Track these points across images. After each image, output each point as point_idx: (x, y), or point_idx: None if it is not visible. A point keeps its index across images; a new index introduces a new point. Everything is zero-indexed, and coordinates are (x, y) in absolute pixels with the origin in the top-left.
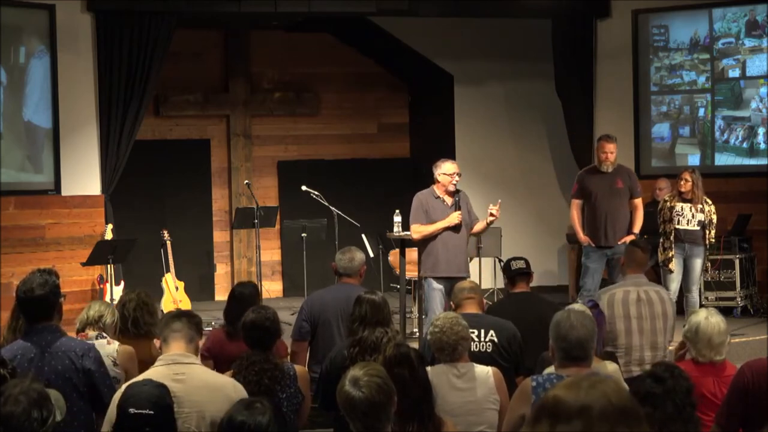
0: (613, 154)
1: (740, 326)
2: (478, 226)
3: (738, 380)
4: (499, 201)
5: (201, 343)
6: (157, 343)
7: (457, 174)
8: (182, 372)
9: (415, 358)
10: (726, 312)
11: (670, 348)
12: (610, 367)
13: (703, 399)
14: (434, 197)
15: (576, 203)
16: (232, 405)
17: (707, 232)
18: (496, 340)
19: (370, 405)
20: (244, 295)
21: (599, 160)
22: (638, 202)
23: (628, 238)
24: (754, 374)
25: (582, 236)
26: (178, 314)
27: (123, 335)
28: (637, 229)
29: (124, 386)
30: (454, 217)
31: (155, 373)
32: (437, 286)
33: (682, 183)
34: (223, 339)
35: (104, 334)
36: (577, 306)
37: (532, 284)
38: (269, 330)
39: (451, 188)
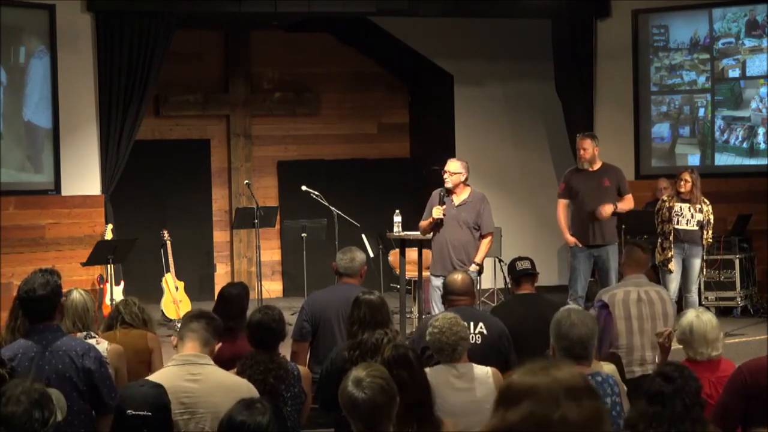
0: (587, 151)
1: (740, 326)
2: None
3: (735, 380)
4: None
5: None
6: (174, 341)
7: (449, 172)
8: (197, 372)
9: (413, 359)
10: (726, 312)
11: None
12: (607, 368)
13: None
14: (441, 194)
15: (562, 203)
16: None
17: (705, 232)
18: (485, 332)
19: (372, 406)
20: (232, 295)
21: (577, 158)
22: (628, 197)
23: (608, 207)
24: (752, 374)
25: (569, 237)
26: (199, 315)
27: (122, 326)
28: (622, 206)
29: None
30: (434, 212)
31: (168, 372)
32: (436, 283)
33: (681, 183)
34: None
35: (93, 334)
36: (575, 306)
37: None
38: (274, 331)
39: (447, 185)
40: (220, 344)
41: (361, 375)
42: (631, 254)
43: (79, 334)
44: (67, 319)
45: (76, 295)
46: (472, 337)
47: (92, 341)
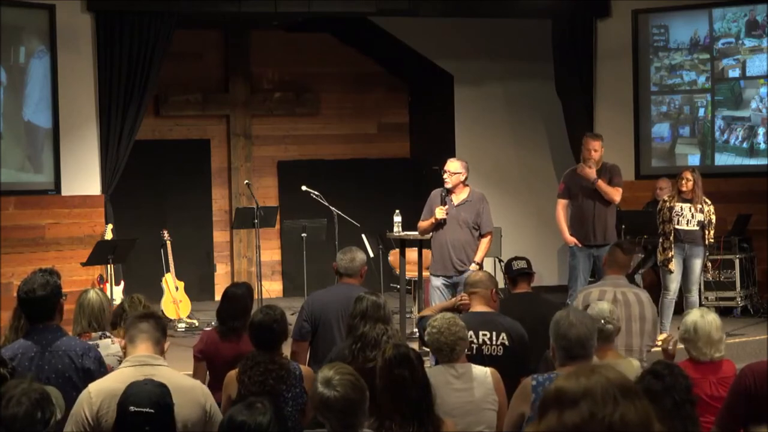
0: (597, 152)
1: (740, 326)
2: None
3: (740, 383)
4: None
5: (167, 345)
6: (121, 342)
7: (449, 172)
8: (152, 374)
9: (414, 358)
10: (726, 312)
11: (655, 349)
12: (635, 363)
13: (700, 401)
14: (442, 194)
15: (561, 203)
16: (200, 408)
17: (706, 232)
18: (507, 343)
19: (346, 403)
20: (237, 295)
21: (584, 158)
22: (617, 189)
23: (591, 172)
24: (757, 377)
25: (568, 237)
26: (145, 315)
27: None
28: (605, 186)
29: (91, 386)
30: (436, 212)
31: (123, 373)
32: (435, 284)
33: (683, 182)
34: (216, 340)
35: (107, 334)
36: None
37: (532, 284)
38: (276, 331)
39: (447, 185)
40: (168, 343)
41: (330, 374)
42: (613, 255)
43: (93, 335)
44: (83, 319)
45: (93, 295)
46: (493, 348)
47: (107, 341)
